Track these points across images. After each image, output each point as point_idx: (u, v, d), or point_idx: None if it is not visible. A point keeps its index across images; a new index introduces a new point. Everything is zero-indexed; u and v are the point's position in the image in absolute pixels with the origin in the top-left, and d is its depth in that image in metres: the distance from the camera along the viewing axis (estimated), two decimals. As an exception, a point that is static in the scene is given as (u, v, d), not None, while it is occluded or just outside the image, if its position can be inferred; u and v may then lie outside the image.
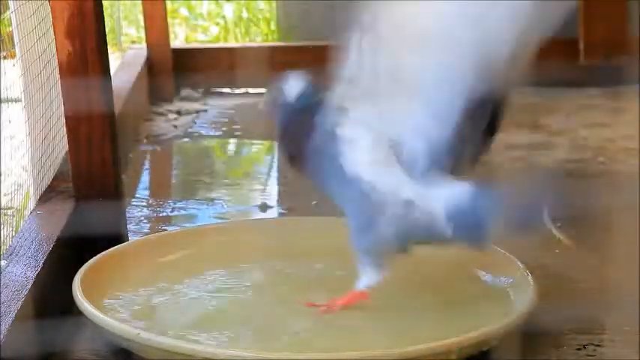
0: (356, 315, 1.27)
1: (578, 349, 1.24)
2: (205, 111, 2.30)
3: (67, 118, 1.42)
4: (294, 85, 1.29)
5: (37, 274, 1.21)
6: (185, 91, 2.39)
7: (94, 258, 1.32)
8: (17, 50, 1.45)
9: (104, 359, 1.22)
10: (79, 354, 1.23)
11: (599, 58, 2.37)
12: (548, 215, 1.53)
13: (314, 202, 1.71)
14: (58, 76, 1.41)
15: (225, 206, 1.72)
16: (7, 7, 1.43)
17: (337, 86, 1.21)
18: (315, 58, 2.41)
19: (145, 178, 1.95)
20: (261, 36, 3.00)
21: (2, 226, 1.43)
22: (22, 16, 1.44)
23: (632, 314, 1.29)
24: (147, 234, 1.60)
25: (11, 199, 1.59)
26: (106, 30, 1.42)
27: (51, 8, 1.39)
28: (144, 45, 2.40)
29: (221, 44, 2.90)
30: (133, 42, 2.93)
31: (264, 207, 1.72)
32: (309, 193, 1.76)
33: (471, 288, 1.33)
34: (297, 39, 2.62)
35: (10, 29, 1.45)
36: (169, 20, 2.46)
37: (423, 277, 1.36)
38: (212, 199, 1.76)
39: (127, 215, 1.57)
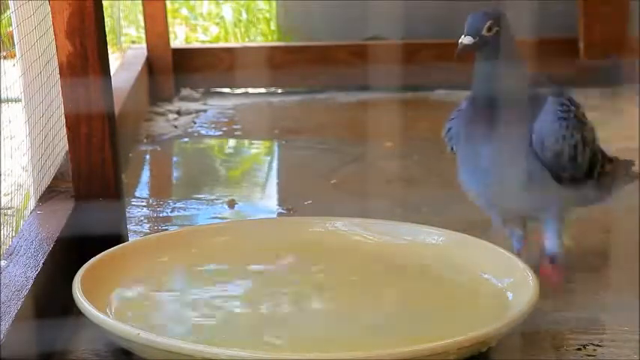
0: (355, 315, 1.27)
1: (578, 349, 1.24)
2: (205, 111, 2.30)
3: (67, 118, 1.42)
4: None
5: (37, 274, 1.21)
6: (185, 91, 2.39)
7: (94, 258, 1.32)
8: (17, 50, 1.45)
9: (104, 359, 1.22)
10: (79, 354, 1.23)
11: (599, 58, 2.37)
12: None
13: (309, 202, 1.72)
14: (58, 76, 1.41)
15: (225, 206, 1.72)
16: (7, 7, 1.43)
17: None
18: (315, 58, 2.45)
19: (145, 178, 1.95)
20: (261, 36, 3.00)
21: (2, 226, 1.43)
22: (22, 16, 1.44)
23: (632, 314, 1.29)
24: (147, 234, 1.60)
25: (11, 199, 1.59)
26: (106, 30, 1.42)
27: (51, 8, 1.39)
28: (144, 45, 2.40)
29: (221, 44, 2.90)
30: (133, 42, 2.93)
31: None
32: (308, 193, 1.77)
33: (471, 288, 1.33)
34: (297, 39, 2.63)
35: (10, 29, 1.45)
36: (169, 20, 2.46)
37: (422, 276, 1.36)
38: (212, 199, 1.76)
39: (127, 215, 1.57)
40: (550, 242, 1.35)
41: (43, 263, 1.24)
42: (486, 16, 1.29)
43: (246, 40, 2.99)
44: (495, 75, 1.30)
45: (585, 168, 1.34)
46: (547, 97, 1.33)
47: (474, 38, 1.28)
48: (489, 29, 1.28)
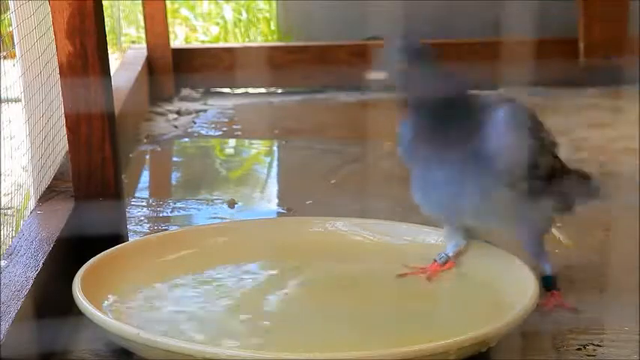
0: (355, 315, 1.27)
1: (578, 349, 1.24)
2: (205, 111, 2.30)
3: (67, 118, 1.42)
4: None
5: (37, 274, 1.21)
6: (185, 91, 2.39)
7: (94, 258, 1.32)
8: (17, 50, 1.45)
9: (104, 359, 1.22)
10: (79, 354, 1.23)
11: (599, 58, 2.37)
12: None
13: (309, 202, 1.72)
14: (58, 76, 1.41)
15: (225, 206, 1.72)
16: (7, 7, 1.43)
17: None
18: (315, 58, 2.44)
19: (145, 178, 1.95)
20: (261, 36, 3.00)
21: (2, 226, 1.43)
22: (22, 16, 1.44)
23: (632, 314, 1.29)
24: (147, 234, 1.60)
25: (11, 199, 1.59)
26: (106, 30, 1.42)
27: (51, 8, 1.39)
28: (144, 45, 2.40)
29: (221, 44, 2.90)
30: (133, 42, 2.93)
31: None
32: (308, 193, 1.77)
33: (470, 288, 1.33)
34: (297, 39, 2.63)
35: (10, 29, 1.45)
36: (169, 20, 2.46)
37: (422, 276, 1.36)
38: (212, 199, 1.76)
39: (127, 215, 1.58)
40: (540, 267, 1.34)
41: (43, 263, 1.24)
42: (395, 50, 1.27)
43: (246, 40, 2.99)
44: (426, 93, 1.27)
45: (544, 176, 1.30)
46: (493, 106, 1.29)
47: (384, 72, 1.27)
48: (400, 62, 1.27)
